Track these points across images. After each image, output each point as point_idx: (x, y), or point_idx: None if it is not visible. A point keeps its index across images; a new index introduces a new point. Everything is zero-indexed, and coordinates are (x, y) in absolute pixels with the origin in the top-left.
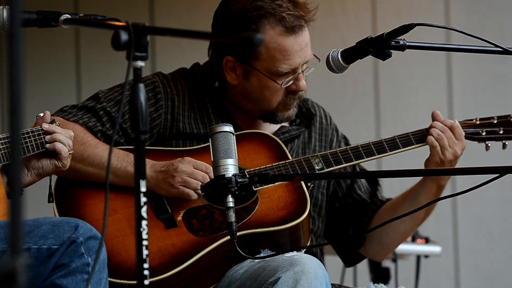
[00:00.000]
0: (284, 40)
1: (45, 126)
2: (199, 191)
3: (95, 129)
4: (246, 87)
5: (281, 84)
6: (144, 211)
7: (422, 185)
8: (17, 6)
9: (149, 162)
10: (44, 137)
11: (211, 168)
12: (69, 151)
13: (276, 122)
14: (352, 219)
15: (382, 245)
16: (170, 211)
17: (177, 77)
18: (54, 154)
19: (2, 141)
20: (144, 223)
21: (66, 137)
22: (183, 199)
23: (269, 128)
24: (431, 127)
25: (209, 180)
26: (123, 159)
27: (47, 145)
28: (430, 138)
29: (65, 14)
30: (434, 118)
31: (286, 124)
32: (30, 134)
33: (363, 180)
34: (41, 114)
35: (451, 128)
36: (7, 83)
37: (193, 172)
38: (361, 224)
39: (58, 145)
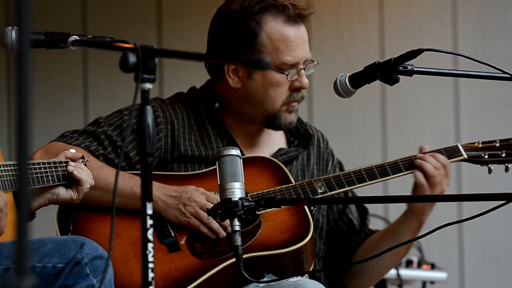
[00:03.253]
0: (287, 30)
1: (71, 168)
2: (209, 224)
3: (97, 153)
4: (250, 88)
5: (287, 76)
6: (150, 234)
7: (403, 222)
8: (25, 27)
9: (157, 185)
10: (66, 169)
11: None
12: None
13: (279, 128)
14: (339, 244)
15: (363, 278)
16: (173, 234)
17: (175, 101)
18: (71, 185)
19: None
20: (150, 245)
21: (89, 176)
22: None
23: (268, 150)
24: (422, 159)
25: None
26: (129, 180)
27: (74, 172)
28: (419, 175)
29: (73, 35)
30: (421, 151)
31: (284, 146)
32: (52, 165)
33: (353, 206)
34: (72, 150)
35: (444, 166)
36: (15, 104)
37: (205, 204)
38: (348, 250)
39: (83, 176)
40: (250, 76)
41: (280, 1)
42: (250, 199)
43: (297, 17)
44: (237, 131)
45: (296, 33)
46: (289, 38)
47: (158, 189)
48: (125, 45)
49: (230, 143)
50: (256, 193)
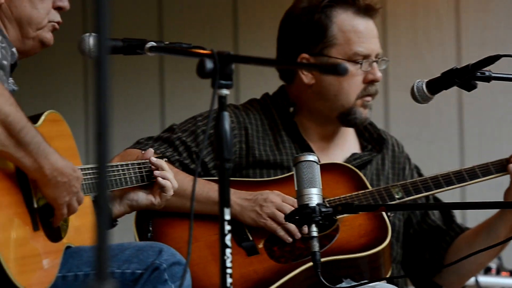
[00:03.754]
0: (358, 22)
1: (153, 159)
2: (286, 225)
3: (173, 159)
4: (324, 83)
5: (361, 66)
6: (228, 239)
7: (500, 217)
8: (104, 33)
9: (232, 189)
10: (145, 171)
11: None
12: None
13: (354, 123)
14: (428, 245)
15: (458, 275)
16: (251, 238)
17: (248, 107)
18: (152, 189)
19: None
20: (228, 251)
21: (172, 177)
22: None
23: (342, 155)
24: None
25: None
26: (204, 185)
27: (159, 179)
28: (510, 166)
29: (150, 41)
30: None
31: (358, 151)
32: (130, 167)
33: None
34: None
35: None
36: (95, 110)
37: (281, 205)
38: (439, 249)
39: (167, 183)
40: None
41: None
42: (328, 205)
43: (366, 9)
44: (311, 135)
45: (367, 25)
46: (360, 29)
47: (234, 194)
48: (202, 51)
49: (304, 148)
50: (332, 198)
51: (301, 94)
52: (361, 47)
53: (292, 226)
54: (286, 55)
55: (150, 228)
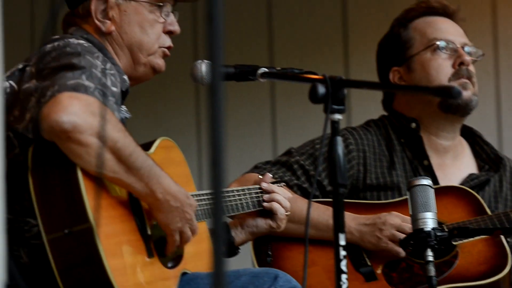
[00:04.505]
0: (433, 19)
1: (264, 185)
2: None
3: (291, 183)
4: (416, 81)
5: (439, 48)
6: (343, 265)
7: None
8: (218, 60)
9: (350, 215)
10: (261, 196)
11: None
12: (286, 212)
13: (457, 108)
14: None
15: None
16: (369, 263)
17: (366, 128)
18: (270, 214)
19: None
20: (344, 277)
21: (284, 198)
22: (382, 251)
23: (459, 175)
24: None
25: None
26: (324, 212)
27: (264, 204)
28: None
29: (262, 67)
30: None
31: (475, 171)
32: (246, 192)
33: None
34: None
35: None
36: (209, 137)
37: (400, 225)
38: None
39: (275, 205)
40: (410, 71)
41: (424, 4)
42: (445, 229)
43: (442, 10)
44: (430, 151)
45: (440, 20)
46: (433, 22)
47: (352, 220)
48: (314, 76)
49: (422, 167)
50: (451, 223)
51: (405, 104)
52: (438, 34)
53: None
54: (383, 76)
55: (270, 253)
